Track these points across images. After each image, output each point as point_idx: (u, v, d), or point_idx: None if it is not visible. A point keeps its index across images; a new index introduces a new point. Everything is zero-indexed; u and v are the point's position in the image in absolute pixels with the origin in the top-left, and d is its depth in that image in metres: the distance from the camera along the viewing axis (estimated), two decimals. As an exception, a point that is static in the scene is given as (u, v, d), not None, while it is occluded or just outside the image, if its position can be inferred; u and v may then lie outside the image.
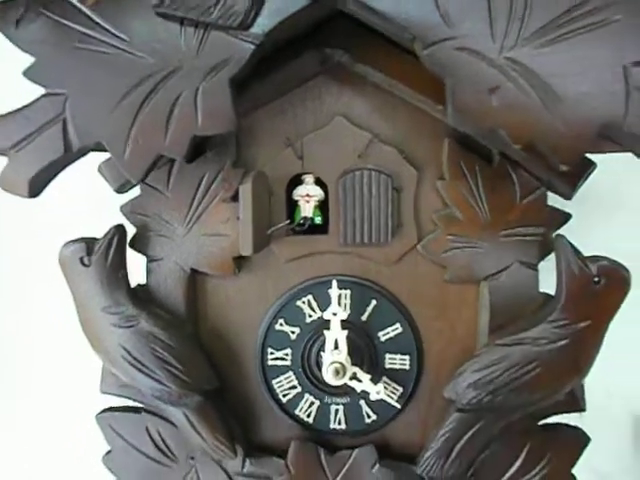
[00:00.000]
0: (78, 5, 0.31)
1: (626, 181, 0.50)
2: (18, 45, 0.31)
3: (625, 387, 0.52)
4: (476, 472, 0.40)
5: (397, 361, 0.40)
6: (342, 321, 0.38)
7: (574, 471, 0.40)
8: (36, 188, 0.32)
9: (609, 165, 0.36)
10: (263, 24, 0.30)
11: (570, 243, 0.36)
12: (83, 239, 0.37)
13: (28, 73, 0.31)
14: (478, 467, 0.40)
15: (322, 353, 0.39)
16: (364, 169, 0.38)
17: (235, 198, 0.38)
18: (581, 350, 0.36)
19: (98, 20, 0.31)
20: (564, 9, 0.29)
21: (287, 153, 0.39)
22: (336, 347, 0.38)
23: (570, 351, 0.35)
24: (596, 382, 0.39)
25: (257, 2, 0.29)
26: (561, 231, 0.38)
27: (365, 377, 0.39)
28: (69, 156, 0.32)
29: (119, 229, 0.38)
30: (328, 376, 0.38)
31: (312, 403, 0.41)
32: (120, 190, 0.39)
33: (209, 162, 0.38)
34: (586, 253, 0.36)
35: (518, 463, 0.39)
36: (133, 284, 0.39)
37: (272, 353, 0.41)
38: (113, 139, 0.31)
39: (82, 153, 0.32)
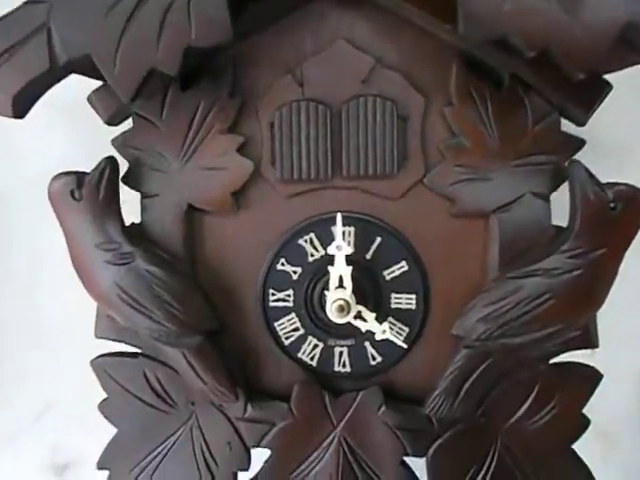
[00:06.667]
0: None
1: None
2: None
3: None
4: (485, 412, 0.38)
5: (403, 300, 0.39)
6: (347, 256, 0.36)
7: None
8: (21, 107, 0.30)
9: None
10: None
11: (585, 168, 0.34)
12: (73, 172, 0.36)
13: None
14: (487, 407, 0.38)
15: (326, 292, 0.38)
16: (368, 95, 0.36)
17: (232, 130, 0.37)
18: (596, 280, 0.34)
19: None
20: None
21: (286, 80, 0.37)
22: (340, 285, 0.37)
23: (584, 281, 0.34)
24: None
25: None
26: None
27: (370, 316, 0.37)
28: (55, 71, 0.29)
29: (110, 161, 0.36)
30: (332, 313, 0.36)
31: (316, 345, 0.40)
32: (111, 122, 0.37)
33: (204, 91, 0.36)
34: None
35: (528, 402, 0.38)
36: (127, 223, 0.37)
37: (274, 294, 0.39)
38: (102, 51, 0.29)
39: (69, 69, 0.30)
